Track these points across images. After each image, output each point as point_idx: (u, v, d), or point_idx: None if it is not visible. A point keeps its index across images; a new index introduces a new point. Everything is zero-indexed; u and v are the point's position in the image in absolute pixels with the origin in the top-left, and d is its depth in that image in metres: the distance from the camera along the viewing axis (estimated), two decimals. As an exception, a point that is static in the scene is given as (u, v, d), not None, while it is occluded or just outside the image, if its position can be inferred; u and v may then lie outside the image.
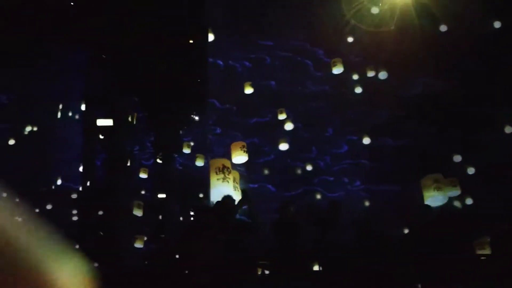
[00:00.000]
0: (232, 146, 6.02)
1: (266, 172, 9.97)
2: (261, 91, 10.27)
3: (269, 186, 9.96)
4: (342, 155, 10.37)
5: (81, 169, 10.91)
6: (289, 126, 8.60)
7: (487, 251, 5.30)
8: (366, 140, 9.23)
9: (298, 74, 9.69)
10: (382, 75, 8.52)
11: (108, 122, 11.71)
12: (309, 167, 9.94)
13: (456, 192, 7.11)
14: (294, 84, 9.96)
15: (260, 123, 10.29)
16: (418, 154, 9.65)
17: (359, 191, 10.20)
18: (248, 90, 8.66)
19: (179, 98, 10.77)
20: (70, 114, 11.32)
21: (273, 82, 10.41)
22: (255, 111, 10.27)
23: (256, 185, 9.92)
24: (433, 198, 5.05)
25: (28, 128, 10.68)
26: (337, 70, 8.07)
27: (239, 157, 5.92)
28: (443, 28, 8.80)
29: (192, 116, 10.72)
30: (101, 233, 8.60)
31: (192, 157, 9.38)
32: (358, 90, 9.20)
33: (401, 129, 10.04)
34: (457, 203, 6.82)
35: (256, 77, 10.34)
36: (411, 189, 9.54)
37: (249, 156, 10.12)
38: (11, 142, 10.31)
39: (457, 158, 8.61)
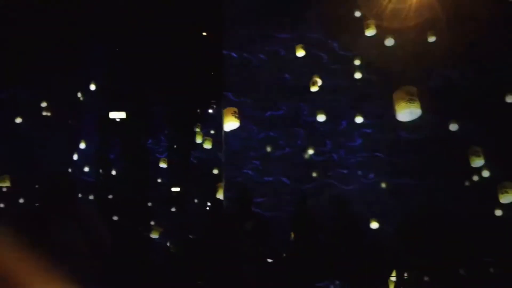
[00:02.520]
0: (224, 112, 6.01)
1: (281, 165, 9.99)
2: (276, 84, 10.27)
3: (284, 179, 9.98)
4: (356, 148, 10.35)
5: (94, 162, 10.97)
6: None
7: None
8: (359, 119, 9.26)
9: (313, 67, 9.65)
10: (389, 41, 8.38)
11: (121, 114, 11.74)
12: (323, 160, 10.01)
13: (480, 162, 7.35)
14: (309, 77, 9.92)
15: (275, 116, 10.28)
16: (434, 148, 9.67)
17: (373, 184, 10.19)
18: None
19: (193, 91, 10.78)
20: (83, 106, 11.37)
21: (287, 75, 10.38)
22: (270, 104, 10.26)
23: (271, 178, 9.95)
24: (406, 112, 4.70)
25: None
26: (370, 32, 8.00)
27: (231, 123, 5.94)
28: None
29: (206, 109, 10.75)
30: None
31: (208, 150, 9.45)
32: (358, 75, 9.35)
33: (416, 122, 9.98)
34: None
35: (271, 69, 10.35)
36: (427, 183, 9.63)
37: (263, 148, 10.17)
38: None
39: (454, 127, 8.68)
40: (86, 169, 10.81)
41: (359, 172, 10.14)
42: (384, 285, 6.63)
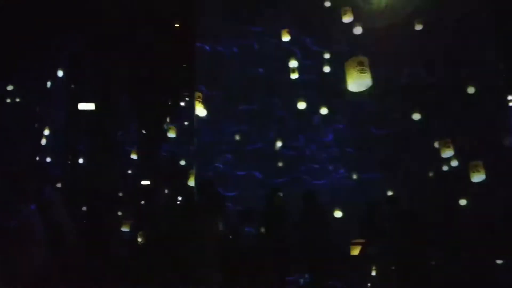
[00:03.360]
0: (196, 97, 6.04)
1: (253, 159, 9.99)
2: (249, 78, 10.23)
3: (256, 173, 9.98)
4: (328, 143, 10.43)
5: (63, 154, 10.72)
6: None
7: None
8: (324, 111, 9.41)
9: (286, 62, 9.66)
10: (357, 30, 8.43)
11: (90, 106, 11.51)
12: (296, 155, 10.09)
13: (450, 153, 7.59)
14: (282, 72, 9.93)
15: (248, 110, 10.25)
16: (402, 144, 9.85)
17: (343, 178, 10.31)
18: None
19: (165, 84, 10.64)
20: (53, 98, 11.10)
21: (261, 69, 10.36)
22: (243, 98, 10.22)
23: (244, 173, 9.93)
24: (356, 82, 4.67)
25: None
26: (347, 19, 8.03)
27: (199, 109, 6.00)
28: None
29: (178, 101, 10.63)
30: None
31: (178, 143, 9.35)
32: (326, 69, 9.48)
33: (386, 118, 10.17)
34: None
35: (244, 63, 10.30)
36: (394, 177, 9.81)
37: (237, 144, 10.13)
38: None
39: (416, 117, 8.92)
40: (52, 159, 10.55)
41: (330, 167, 10.23)
42: (350, 277, 6.74)
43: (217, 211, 5.26)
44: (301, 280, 7.89)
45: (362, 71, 4.62)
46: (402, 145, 9.94)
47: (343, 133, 10.40)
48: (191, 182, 8.57)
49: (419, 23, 8.73)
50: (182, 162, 10.22)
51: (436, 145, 8.78)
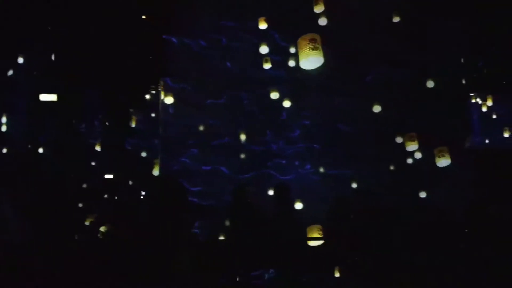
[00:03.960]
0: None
1: (220, 154, 9.91)
2: (217, 72, 10.13)
3: (223, 168, 9.90)
4: (295, 138, 10.46)
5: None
6: None
7: None
8: (286, 104, 9.41)
9: (255, 57, 9.60)
10: (322, 21, 8.43)
11: (52, 97, 11.17)
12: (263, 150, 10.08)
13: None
14: (251, 67, 9.88)
15: (214, 104, 10.15)
16: (370, 140, 9.99)
17: (310, 174, 10.36)
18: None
19: (130, 75, 10.42)
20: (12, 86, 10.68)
21: (228, 64, 10.27)
22: (210, 91, 10.11)
23: (209, 167, 9.84)
24: (309, 59, 4.60)
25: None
26: (318, 9, 7.98)
27: (167, 99, 5.92)
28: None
29: (143, 94, 10.42)
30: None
31: (143, 136, 9.18)
32: (291, 63, 9.43)
33: (354, 115, 10.28)
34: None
35: (212, 57, 10.19)
36: (361, 174, 9.95)
37: (204, 139, 10.04)
38: None
39: (377, 109, 9.09)
40: (6, 150, 10.17)
41: (297, 162, 10.27)
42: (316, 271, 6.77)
43: (180, 205, 5.17)
44: (266, 275, 7.89)
45: (314, 48, 4.53)
46: (368, 142, 10.07)
47: (310, 129, 10.45)
48: (156, 172, 8.46)
49: (397, 15, 8.72)
50: (147, 155, 10.05)
51: (399, 140, 9.02)
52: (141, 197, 8.69)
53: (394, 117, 9.81)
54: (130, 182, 9.62)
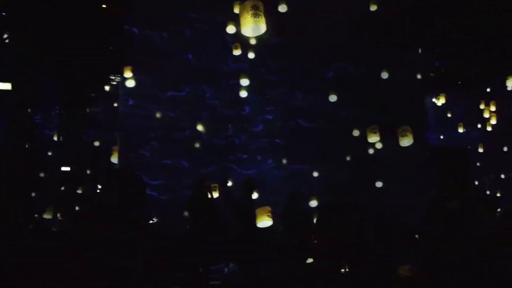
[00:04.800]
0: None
1: (180, 148, 9.79)
2: (179, 64, 9.99)
3: (184, 162, 9.79)
4: (258, 133, 10.46)
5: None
6: None
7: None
8: (243, 94, 9.34)
9: (217, 51, 9.53)
10: (282, 8, 8.38)
11: (6, 86, 10.77)
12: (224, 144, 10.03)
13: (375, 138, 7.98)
14: (213, 60, 9.79)
15: (176, 97, 10.01)
16: (331, 136, 10.12)
17: (272, 169, 10.40)
18: None
19: (90, 66, 10.15)
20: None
21: (190, 56, 10.15)
22: (171, 84, 9.96)
23: (170, 161, 9.71)
24: (251, 27, 4.56)
25: None
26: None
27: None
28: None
29: (103, 85, 10.18)
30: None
31: (103, 128, 8.96)
32: (251, 55, 9.30)
33: (315, 111, 10.39)
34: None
35: (174, 49, 10.03)
36: (321, 168, 10.08)
37: (164, 131, 9.89)
38: None
39: (333, 98, 9.26)
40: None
41: (259, 157, 10.28)
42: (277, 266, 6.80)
43: (138, 198, 5.08)
44: (226, 269, 7.88)
45: (256, 15, 4.48)
46: (330, 137, 10.20)
47: (273, 124, 10.47)
48: (115, 159, 8.26)
49: (374, 4, 8.63)
50: (106, 147, 9.83)
51: (356, 133, 9.22)
52: (98, 191, 8.52)
53: (354, 112, 9.97)
54: (88, 172, 9.39)
